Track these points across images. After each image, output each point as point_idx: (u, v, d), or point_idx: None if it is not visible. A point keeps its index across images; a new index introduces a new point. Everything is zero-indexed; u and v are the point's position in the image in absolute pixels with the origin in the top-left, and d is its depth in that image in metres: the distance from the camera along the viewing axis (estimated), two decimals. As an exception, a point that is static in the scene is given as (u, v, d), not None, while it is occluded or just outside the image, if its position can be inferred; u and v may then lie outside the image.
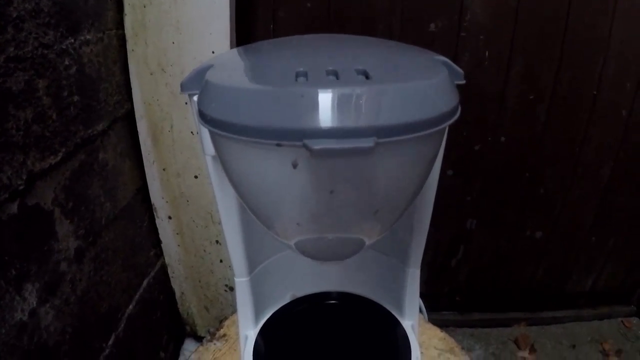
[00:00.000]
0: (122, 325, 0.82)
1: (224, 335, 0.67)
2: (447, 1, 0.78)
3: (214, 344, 0.66)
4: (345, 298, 0.61)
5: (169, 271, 0.95)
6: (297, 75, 0.32)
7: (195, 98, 0.39)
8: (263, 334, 0.57)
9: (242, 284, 0.54)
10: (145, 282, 0.88)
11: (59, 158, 0.63)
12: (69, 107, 0.65)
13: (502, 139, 0.87)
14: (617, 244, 0.99)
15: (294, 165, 0.29)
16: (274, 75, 0.34)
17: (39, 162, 0.59)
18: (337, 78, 0.32)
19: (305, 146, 0.27)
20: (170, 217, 0.88)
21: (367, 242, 0.37)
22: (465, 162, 0.88)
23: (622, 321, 1.07)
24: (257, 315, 0.58)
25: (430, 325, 0.69)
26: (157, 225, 0.89)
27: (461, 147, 0.87)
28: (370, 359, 0.54)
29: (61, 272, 0.65)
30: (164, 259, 0.94)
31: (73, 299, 0.68)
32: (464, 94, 0.83)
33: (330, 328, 0.59)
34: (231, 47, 0.75)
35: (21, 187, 0.56)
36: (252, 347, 0.55)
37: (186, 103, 0.78)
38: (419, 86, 0.33)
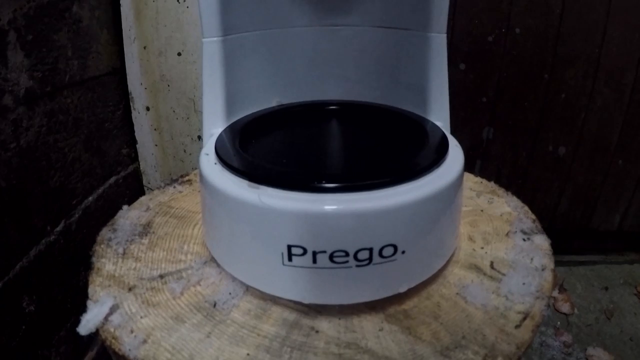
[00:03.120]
0: (77, 215, 0.61)
1: (189, 180, 0.47)
2: None
3: (174, 187, 0.46)
4: (350, 106, 0.42)
5: (144, 181, 0.75)
6: None
7: None
8: (235, 129, 0.37)
9: (211, 45, 0.36)
10: (112, 179, 0.69)
11: (23, -22, 0.49)
12: None
13: (517, 30, 0.72)
14: (645, 169, 0.80)
15: None
16: None
17: None
18: None
19: None
20: (147, 109, 0.70)
21: None
22: (479, 55, 0.72)
23: (656, 266, 0.85)
24: (229, 111, 0.39)
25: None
26: (133, 120, 0.72)
27: (473, 37, 0.71)
28: (391, 152, 0.35)
29: (3, 105, 0.48)
30: (138, 164, 0.75)
31: (14, 146, 0.50)
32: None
33: (331, 132, 0.39)
34: None
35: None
36: (216, 139, 0.35)
37: (174, -33, 0.64)
38: None
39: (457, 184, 0.30)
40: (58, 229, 0.57)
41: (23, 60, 0.51)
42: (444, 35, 0.36)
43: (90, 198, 0.64)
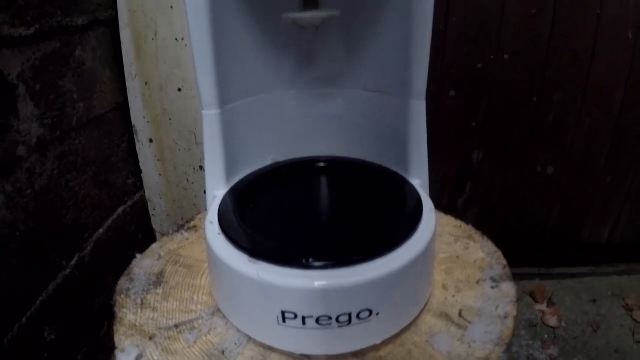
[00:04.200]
0: (89, 248, 0.69)
1: (195, 226, 0.55)
2: None
3: (181, 234, 0.53)
4: (337, 162, 0.49)
5: (150, 208, 0.83)
6: None
7: None
8: (235, 193, 0.44)
9: (211, 118, 0.42)
10: (120, 210, 0.76)
11: (30, 32, 0.57)
12: (47, -15, 0.58)
13: (506, 56, 0.77)
14: (634, 185, 0.87)
15: None
16: None
17: (8, 28, 0.53)
18: None
19: None
20: (151, 141, 0.77)
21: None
22: (469, 82, 0.78)
23: (644, 277, 0.92)
24: (229, 173, 0.45)
25: (442, 214, 0.56)
26: (138, 151, 0.78)
27: (463, 64, 0.77)
28: (371, 217, 0.42)
29: (18, 157, 0.55)
30: (144, 192, 0.82)
31: (30, 192, 0.57)
32: (463, 7, 0.74)
33: (319, 191, 0.46)
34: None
35: (-16, 42, 0.48)
36: (219, 204, 0.42)
37: (172, 7, 0.70)
38: None
39: (427, 253, 0.37)
40: (72, 262, 0.65)
41: (33, 111, 0.57)
42: (424, 102, 0.43)
43: (101, 230, 0.71)
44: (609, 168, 0.85)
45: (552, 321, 0.82)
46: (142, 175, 0.80)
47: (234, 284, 0.37)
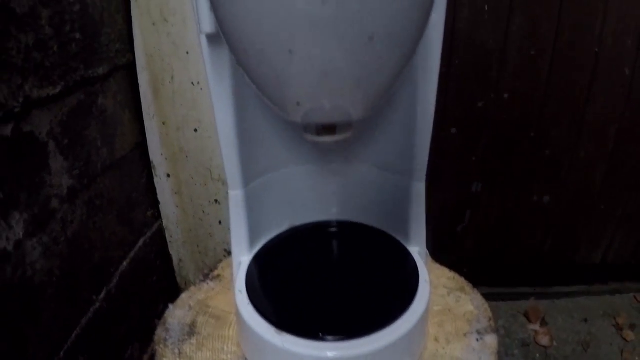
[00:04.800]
0: (115, 281, 0.76)
1: (219, 275, 0.62)
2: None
3: (207, 284, 0.61)
4: (346, 226, 0.56)
5: (167, 235, 0.90)
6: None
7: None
8: (258, 260, 0.52)
9: (236, 197, 0.49)
10: (141, 242, 0.84)
11: (57, 91, 0.61)
12: (70, 42, 0.63)
13: (505, 95, 0.83)
14: (626, 212, 0.94)
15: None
16: None
17: (37, 90, 0.58)
18: None
19: None
20: (168, 175, 0.84)
21: (362, 92, 0.32)
22: (469, 119, 0.84)
23: (634, 296, 1.00)
24: (252, 241, 0.53)
25: (438, 266, 0.64)
26: (155, 185, 0.85)
27: (464, 103, 0.83)
28: (375, 285, 0.49)
29: (52, 209, 0.61)
30: (161, 221, 0.89)
31: (63, 239, 0.64)
32: (464, 49, 0.80)
33: (331, 256, 0.54)
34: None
35: (17, 110, 0.54)
36: (245, 273, 0.50)
37: (187, 53, 0.76)
38: None
39: (421, 322, 0.45)
40: (101, 296, 0.73)
41: (63, 164, 0.63)
42: (424, 184, 0.50)
43: (125, 263, 0.79)
44: (603, 196, 0.92)
45: (544, 340, 0.90)
46: (159, 206, 0.87)
47: (262, 348, 0.45)
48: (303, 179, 0.54)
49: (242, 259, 0.52)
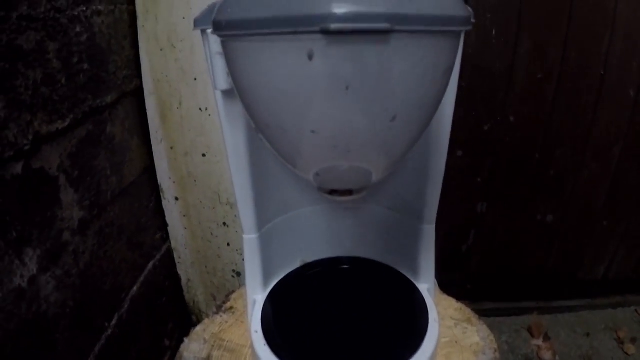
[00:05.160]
0: (126, 306, 0.78)
1: (231, 307, 0.63)
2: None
3: (220, 316, 0.62)
4: (357, 263, 0.57)
5: (175, 256, 0.91)
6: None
7: (209, 31, 0.37)
8: (272, 298, 0.53)
9: (251, 241, 0.51)
10: (150, 265, 0.85)
11: (66, 124, 0.62)
12: (78, 74, 0.63)
13: (511, 118, 0.84)
14: (629, 229, 0.96)
15: (310, 56, 0.27)
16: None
17: (47, 125, 0.58)
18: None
19: (321, 30, 0.25)
20: (177, 199, 0.85)
21: (382, 164, 0.34)
22: (475, 142, 0.85)
23: (636, 310, 1.02)
24: (266, 279, 0.54)
25: (445, 297, 0.65)
26: (164, 207, 0.86)
27: (470, 127, 0.84)
28: (386, 324, 0.51)
29: (64, 242, 0.62)
30: (170, 243, 0.90)
31: (75, 271, 0.65)
32: (472, 73, 0.80)
33: (342, 293, 0.55)
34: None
35: (27, 147, 0.54)
36: (261, 311, 0.51)
37: (195, 79, 0.76)
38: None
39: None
40: (113, 322, 0.74)
41: (73, 196, 0.64)
42: (433, 226, 0.51)
43: (135, 288, 0.80)
44: (606, 214, 0.94)
45: (547, 355, 0.92)
46: (168, 228, 0.88)
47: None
48: (316, 219, 0.55)
49: (257, 297, 0.53)
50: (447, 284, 0.96)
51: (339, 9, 0.26)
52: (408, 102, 0.30)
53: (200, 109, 0.78)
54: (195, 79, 0.76)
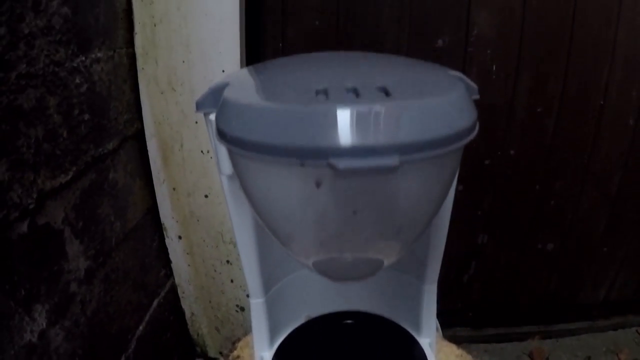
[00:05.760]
0: (133, 346, 0.79)
1: (238, 357, 0.65)
2: (454, 17, 0.77)
3: (228, 365, 0.63)
4: (361, 317, 0.59)
5: (179, 291, 0.93)
6: (317, 92, 0.31)
7: (211, 117, 0.38)
8: (279, 355, 0.55)
9: (257, 305, 0.52)
10: (155, 303, 0.86)
11: (69, 177, 0.62)
12: (79, 125, 0.64)
13: (512, 152, 0.85)
14: (629, 253, 0.97)
15: (317, 185, 0.28)
16: (294, 92, 0.33)
17: (50, 181, 0.58)
18: (358, 95, 0.31)
19: (330, 166, 0.26)
20: (180, 237, 0.86)
21: (388, 262, 0.35)
22: (476, 177, 0.86)
23: (637, 330, 1.04)
24: (272, 336, 0.56)
25: (446, 343, 0.67)
26: (167, 245, 0.88)
27: (471, 162, 0.85)
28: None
29: (71, 293, 0.64)
30: (174, 279, 0.92)
31: (83, 320, 0.66)
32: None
33: (347, 348, 0.57)
34: (241, 66, 0.74)
35: (31, 206, 0.55)
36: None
37: (196, 122, 0.77)
38: (439, 102, 0.32)
39: None
40: (121, 364, 0.76)
41: (78, 247, 0.65)
42: (435, 286, 0.52)
43: (141, 327, 0.82)
44: (605, 241, 0.95)
45: (549, 381, 0.95)
46: (171, 265, 0.90)
47: None
48: (320, 278, 0.56)
49: (264, 354, 0.55)
50: (448, 313, 0.98)
51: (346, 144, 0.27)
52: (414, 215, 0.31)
53: (202, 152, 0.79)
54: (197, 123, 0.77)
